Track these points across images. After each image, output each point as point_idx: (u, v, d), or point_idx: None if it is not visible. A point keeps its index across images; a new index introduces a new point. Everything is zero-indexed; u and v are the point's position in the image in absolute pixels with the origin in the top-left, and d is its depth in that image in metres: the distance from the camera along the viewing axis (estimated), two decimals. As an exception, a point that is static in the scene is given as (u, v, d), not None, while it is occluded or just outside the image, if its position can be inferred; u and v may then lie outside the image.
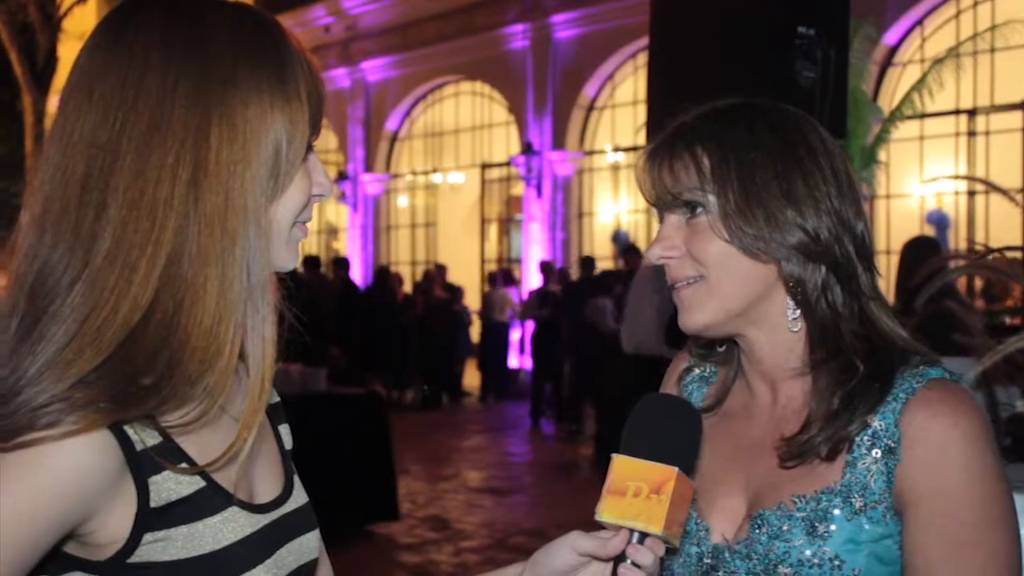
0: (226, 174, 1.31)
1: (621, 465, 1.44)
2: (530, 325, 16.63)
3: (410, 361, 17.25)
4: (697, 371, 1.87)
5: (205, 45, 1.33)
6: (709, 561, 1.68)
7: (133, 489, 1.27)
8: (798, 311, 1.65)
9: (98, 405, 1.22)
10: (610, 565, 1.44)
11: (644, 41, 4.79)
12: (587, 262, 15.56)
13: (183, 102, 1.30)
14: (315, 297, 14.41)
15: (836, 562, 1.58)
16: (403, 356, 17.15)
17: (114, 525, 1.28)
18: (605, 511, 1.43)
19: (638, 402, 1.52)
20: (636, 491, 1.41)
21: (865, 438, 1.60)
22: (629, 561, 1.41)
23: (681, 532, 1.44)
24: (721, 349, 1.82)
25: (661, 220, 1.71)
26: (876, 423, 1.60)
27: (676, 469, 1.42)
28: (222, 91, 1.32)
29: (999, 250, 3.96)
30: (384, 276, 18.43)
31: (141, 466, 1.27)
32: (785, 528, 1.61)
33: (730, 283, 1.64)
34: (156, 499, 1.29)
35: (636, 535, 1.42)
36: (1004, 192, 4.01)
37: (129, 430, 1.26)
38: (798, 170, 1.63)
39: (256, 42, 1.36)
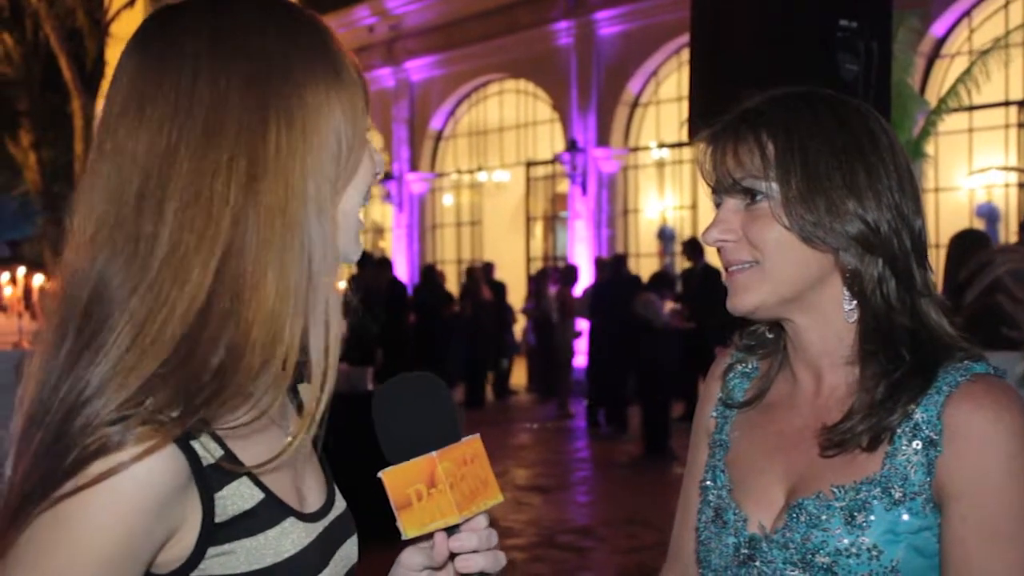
0: (286, 163, 1.31)
1: (391, 479, 1.40)
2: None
3: (456, 360, 17.25)
4: (740, 367, 1.88)
5: (254, 42, 1.33)
6: (746, 551, 1.69)
7: (199, 505, 1.28)
8: (854, 301, 1.65)
9: (163, 416, 1.23)
10: (451, 566, 1.45)
11: (688, 37, 4.76)
12: (619, 260, 15.46)
13: (237, 101, 1.30)
14: (363, 297, 14.48)
15: (874, 552, 1.57)
16: (449, 355, 17.16)
17: (180, 540, 1.28)
18: (406, 529, 1.39)
19: (373, 407, 1.46)
20: (418, 495, 1.38)
21: (907, 429, 1.60)
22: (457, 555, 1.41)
23: (488, 488, 1.42)
24: (770, 336, 1.82)
25: (718, 204, 1.72)
26: (918, 415, 1.60)
27: (433, 454, 1.39)
28: (277, 84, 1.32)
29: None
30: (430, 275, 18.44)
31: (208, 482, 1.28)
32: (823, 518, 1.61)
33: (786, 269, 1.65)
34: (221, 514, 1.29)
35: (446, 532, 1.41)
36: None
37: (195, 445, 1.27)
38: (861, 162, 1.63)
39: (305, 34, 1.36)
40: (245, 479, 1.32)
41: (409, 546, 1.47)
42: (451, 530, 1.41)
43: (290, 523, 1.37)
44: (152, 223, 1.28)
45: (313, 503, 1.47)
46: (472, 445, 1.43)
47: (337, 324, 1.37)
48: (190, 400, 1.25)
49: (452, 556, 1.42)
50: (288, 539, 1.36)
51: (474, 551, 1.41)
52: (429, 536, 1.42)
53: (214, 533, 1.29)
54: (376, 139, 25.37)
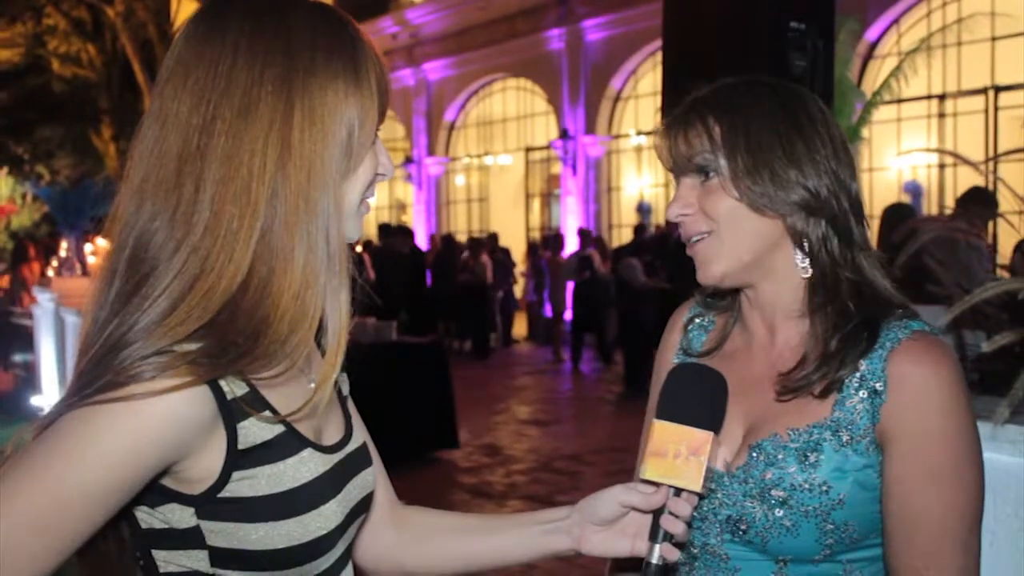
0: (308, 153, 1.25)
1: (661, 429, 1.38)
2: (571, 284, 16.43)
3: (469, 315, 17.21)
4: (698, 320, 1.80)
5: (289, 38, 1.26)
6: (710, 485, 1.63)
7: (224, 433, 1.23)
8: (807, 259, 1.58)
9: (198, 362, 1.18)
10: (649, 516, 1.42)
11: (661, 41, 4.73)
12: (639, 229, 15.50)
13: (269, 88, 1.24)
14: (386, 263, 14.44)
15: (824, 487, 1.52)
16: (463, 311, 17.14)
17: (207, 464, 1.23)
18: (649, 470, 1.38)
19: (673, 370, 1.47)
20: (676, 453, 1.37)
21: (854, 380, 1.54)
22: (667, 512, 1.39)
23: (711, 483, 1.40)
24: (723, 302, 1.75)
25: (678, 184, 1.65)
26: (864, 367, 1.53)
27: (712, 434, 1.37)
28: (304, 79, 1.26)
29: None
30: (449, 243, 18.43)
31: (232, 413, 1.23)
32: (780, 457, 1.55)
33: (738, 236, 1.57)
34: (243, 442, 1.24)
35: (673, 490, 1.38)
36: (969, 163, 3.91)
37: (222, 382, 1.22)
38: (799, 135, 1.56)
39: (334, 36, 1.29)
40: (267, 413, 1.27)
41: (623, 484, 1.46)
42: (676, 492, 1.39)
43: (308, 453, 1.32)
44: (193, 186, 1.23)
45: (331, 438, 1.41)
46: (719, 445, 1.43)
47: (347, 298, 1.31)
48: (222, 355, 1.20)
49: (657, 512, 1.40)
50: (306, 467, 1.31)
51: (677, 517, 1.39)
52: (652, 485, 1.40)
53: (238, 459, 1.24)
54: (399, 129, 25.39)
